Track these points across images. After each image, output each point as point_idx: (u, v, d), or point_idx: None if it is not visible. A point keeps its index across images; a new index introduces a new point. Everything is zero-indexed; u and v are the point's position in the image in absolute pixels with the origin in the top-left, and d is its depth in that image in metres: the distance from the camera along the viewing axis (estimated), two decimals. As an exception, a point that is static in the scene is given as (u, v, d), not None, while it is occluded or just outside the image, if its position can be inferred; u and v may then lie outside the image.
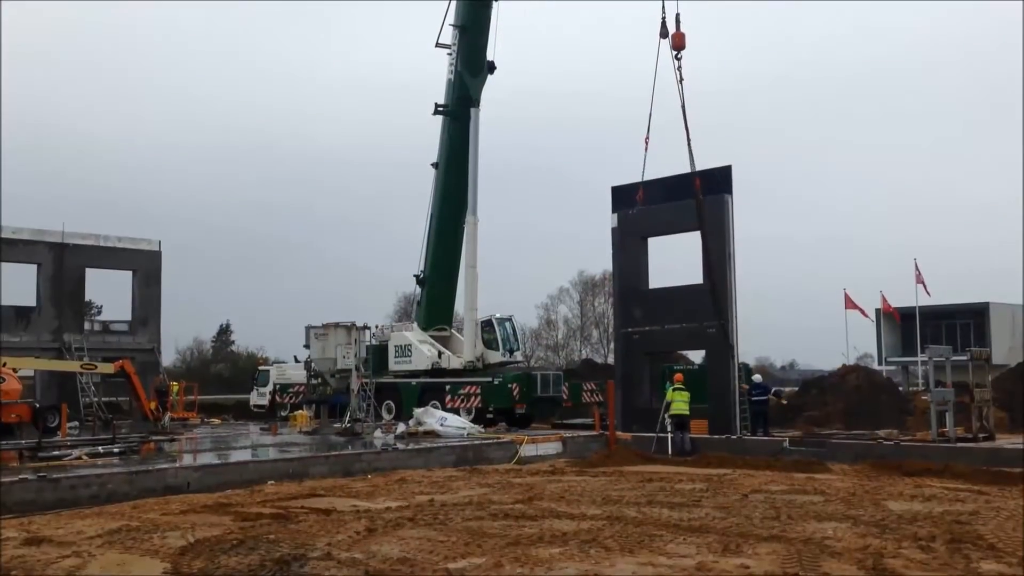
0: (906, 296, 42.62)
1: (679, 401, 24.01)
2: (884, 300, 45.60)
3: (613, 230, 29.27)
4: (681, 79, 25.96)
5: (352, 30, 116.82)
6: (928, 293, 41.38)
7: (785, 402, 30.31)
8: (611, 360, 43.54)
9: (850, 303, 44.06)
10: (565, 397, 31.70)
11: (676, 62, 25.95)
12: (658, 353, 29.47)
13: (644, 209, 27.93)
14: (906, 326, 46.29)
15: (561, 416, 32.52)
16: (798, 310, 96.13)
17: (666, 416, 24.26)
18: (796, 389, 39.61)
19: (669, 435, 24.14)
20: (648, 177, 27.06)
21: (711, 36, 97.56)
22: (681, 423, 24.05)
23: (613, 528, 12.25)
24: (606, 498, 15.39)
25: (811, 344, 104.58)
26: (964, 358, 24.13)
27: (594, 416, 28.56)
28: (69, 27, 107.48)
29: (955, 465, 19.16)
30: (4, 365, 27.85)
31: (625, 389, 28.30)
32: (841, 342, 68.48)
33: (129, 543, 11.54)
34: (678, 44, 26.09)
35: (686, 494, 15.94)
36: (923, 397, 28.57)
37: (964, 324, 49.33)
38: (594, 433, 26.17)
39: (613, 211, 29.32)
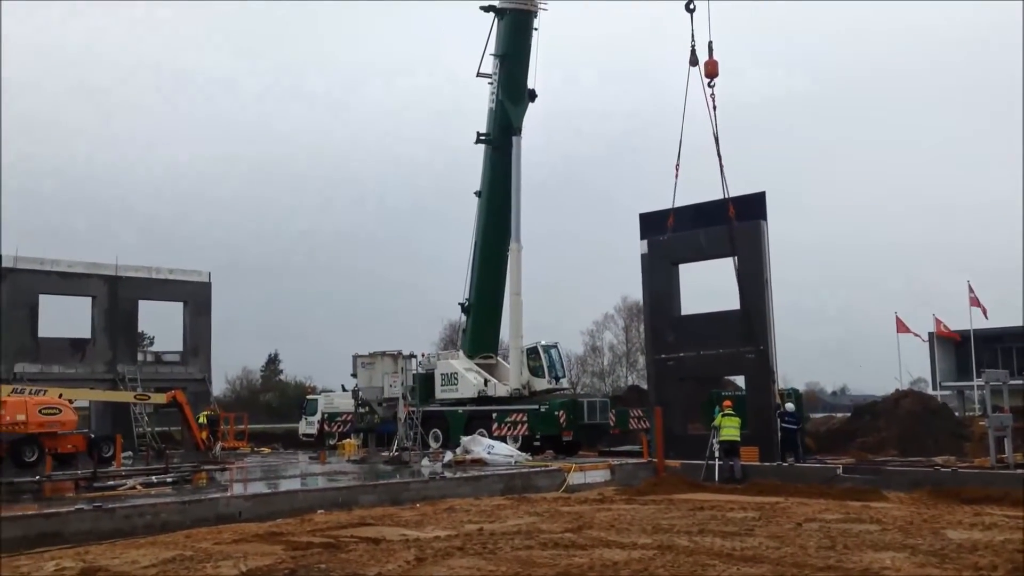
0: (960, 318, 41.93)
1: (729, 427, 23.70)
2: (938, 323, 44.86)
3: (643, 256, 29.27)
4: (714, 107, 25.98)
5: (400, 54, 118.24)
6: (986, 316, 40.62)
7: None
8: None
9: (902, 327, 43.41)
10: (612, 424, 31.51)
11: (709, 89, 25.96)
12: (692, 379, 29.25)
13: (675, 235, 27.88)
14: (961, 350, 45.49)
15: (608, 443, 32.31)
16: (848, 335, 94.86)
17: (715, 442, 23.97)
18: (848, 415, 39.00)
19: (718, 462, 23.82)
20: (680, 202, 27.17)
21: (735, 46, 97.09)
22: (731, 449, 23.73)
23: (664, 558, 12.11)
24: (656, 527, 15.21)
25: (863, 369, 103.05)
26: (1021, 382, 23.55)
27: (642, 443, 28.33)
28: (111, 62, 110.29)
29: (1015, 492, 18.62)
30: (60, 396, 28.43)
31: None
32: (893, 367, 67.12)
33: (183, 572, 11.66)
34: (711, 72, 26.07)
35: (738, 523, 15.70)
36: (980, 422, 27.93)
37: (1020, 348, 48.26)
38: (642, 460, 25.95)
39: (642, 237, 29.34)
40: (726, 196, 26.29)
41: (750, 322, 25.98)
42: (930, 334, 46.46)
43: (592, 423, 30.67)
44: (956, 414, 38.96)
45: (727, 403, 24.49)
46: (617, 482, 23.79)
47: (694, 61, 26.34)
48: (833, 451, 30.51)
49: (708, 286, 32.03)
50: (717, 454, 23.85)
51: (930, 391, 47.75)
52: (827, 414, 52.24)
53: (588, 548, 12.97)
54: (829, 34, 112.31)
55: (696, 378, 29.34)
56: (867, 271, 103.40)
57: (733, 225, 26.28)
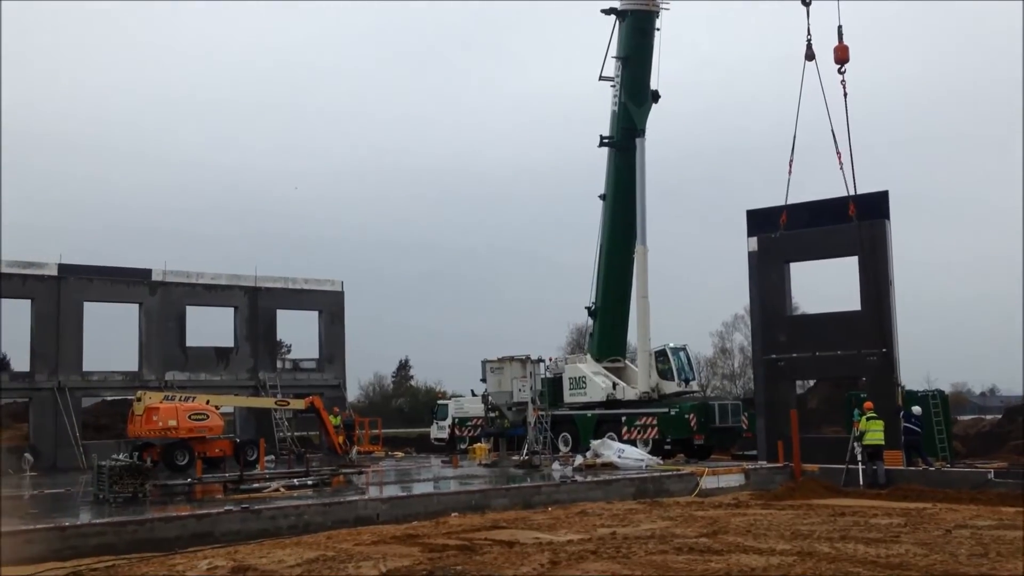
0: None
1: (874, 431, 22.88)
2: (1096, 318, 42.08)
3: (751, 254, 28.74)
4: (845, 94, 25.57)
5: (524, 63, 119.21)
6: None
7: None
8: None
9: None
10: (745, 427, 30.85)
11: (840, 75, 25.59)
12: (825, 381, 28.53)
13: (788, 233, 27.29)
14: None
15: (741, 447, 31.65)
16: (995, 333, 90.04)
17: (856, 446, 23.16)
18: (999, 416, 37.07)
19: (860, 466, 23.01)
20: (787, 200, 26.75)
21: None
22: (875, 453, 22.89)
23: (805, 564, 11.78)
24: (795, 532, 14.83)
25: (1014, 369, 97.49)
26: None
27: (777, 447, 27.63)
28: (241, 78, 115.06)
29: None
30: (207, 403, 29.85)
31: (769, 417, 27.57)
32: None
33: (326, 572, 12.06)
34: (841, 57, 25.67)
35: (882, 529, 15.14)
36: None
37: None
38: (778, 464, 25.30)
39: (749, 235, 28.86)
40: (853, 191, 25.78)
41: (877, 324, 25.28)
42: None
43: (724, 426, 30.14)
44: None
45: (868, 405, 23.63)
46: (752, 486, 23.31)
47: (810, 55, 26.22)
48: (984, 455, 29.08)
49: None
50: (860, 458, 23.05)
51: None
52: (975, 416, 49.78)
53: (724, 553, 12.75)
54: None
55: (813, 379, 28.66)
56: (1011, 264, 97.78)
57: (857, 224, 25.73)
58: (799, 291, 31.43)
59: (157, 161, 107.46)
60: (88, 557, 14.17)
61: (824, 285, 36.42)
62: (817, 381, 32.28)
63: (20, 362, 36.75)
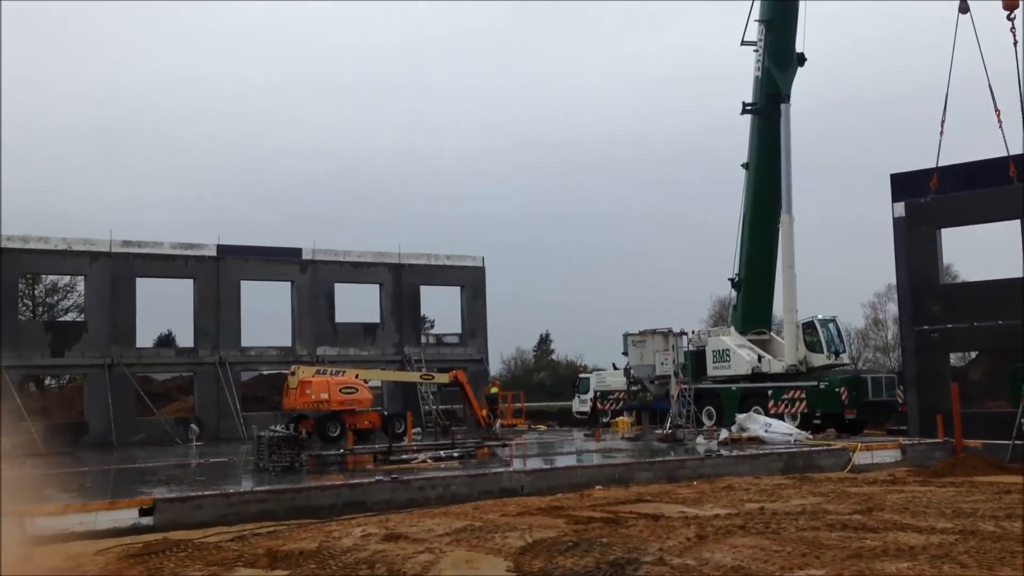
0: None
1: (1040, 404, 21.58)
2: None
3: (897, 220, 27.37)
4: (1015, 42, 23.96)
5: (665, 23, 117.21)
6: None
7: None
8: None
9: None
10: (900, 401, 29.60)
11: (1009, 22, 24.00)
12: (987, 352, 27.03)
13: (939, 197, 25.77)
14: None
15: (897, 422, 30.40)
16: None
17: (1023, 421, 21.89)
18: None
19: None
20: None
21: None
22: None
23: (968, 543, 11.23)
24: (957, 510, 14.15)
25: None
26: None
27: (935, 421, 26.39)
28: (384, 57, 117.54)
29: None
30: (356, 377, 30.92)
31: (921, 391, 26.20)
32: None
33: (474, 541, 12.32)
34: (1011, 3, 24.04)
35: (1053, 508, 14.27)
36: None
37: None
38: (937, 440, 24.19)
39: (894, 200, 27.46)
40: (1021, 149, 24.15)
41: None
42: None
43: (877, 400, 28.98)
44: None
45: (1033, 377, 22.26)
46: (908, 463, 22.39)
47: (964, 8, 24.66)
48: None
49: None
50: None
51: None
52: None
53: (880, 531, 12.30)
54: None
55: (985, 351, 27.24)
56: None
57: (1015, 186, 24.24)
58: (957, 259, 30.01)
59: (296, 150, 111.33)
60: (251, 522, 14.97)
61: (982, 251, 34.55)
62: (979, 353, 30.59)
63: (185, 338, 39.14)
